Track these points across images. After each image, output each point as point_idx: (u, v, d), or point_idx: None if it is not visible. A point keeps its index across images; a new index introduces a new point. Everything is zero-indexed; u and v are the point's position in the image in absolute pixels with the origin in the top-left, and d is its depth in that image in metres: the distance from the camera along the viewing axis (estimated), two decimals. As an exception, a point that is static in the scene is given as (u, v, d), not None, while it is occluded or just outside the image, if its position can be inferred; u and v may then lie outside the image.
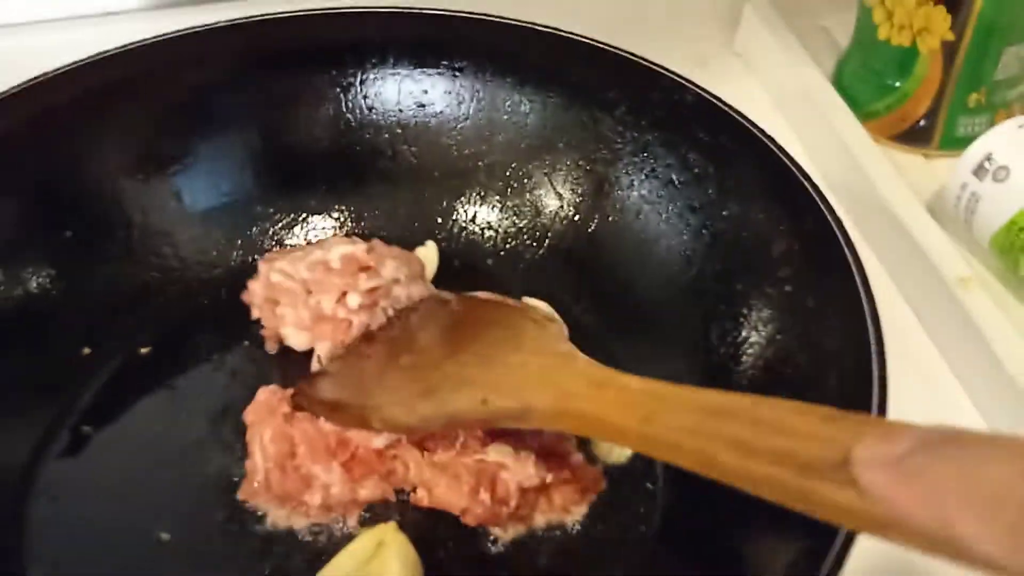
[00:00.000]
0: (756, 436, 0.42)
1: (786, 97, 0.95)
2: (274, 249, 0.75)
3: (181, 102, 0.71)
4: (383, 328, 0.64)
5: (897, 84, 0.89)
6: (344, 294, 0.65)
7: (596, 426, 0.51)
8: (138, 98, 0.70)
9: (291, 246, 0.76)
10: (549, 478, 0.58)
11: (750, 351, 0.61)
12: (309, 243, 0.75)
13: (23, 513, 0.59)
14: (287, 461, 0.59)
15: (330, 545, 0.58)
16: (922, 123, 0.90)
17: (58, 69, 0.67)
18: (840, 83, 0.95)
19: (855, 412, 0.40)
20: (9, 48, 0.90)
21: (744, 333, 0.62)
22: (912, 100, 0.89)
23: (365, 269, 0.66)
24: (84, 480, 0.62)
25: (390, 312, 0.66)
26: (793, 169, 0.60)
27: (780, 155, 0.61)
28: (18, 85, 0.67)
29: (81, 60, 0.68)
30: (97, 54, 0.69)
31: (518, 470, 0.57)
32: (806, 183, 0.59)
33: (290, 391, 0.62)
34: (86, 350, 0.68)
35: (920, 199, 0.81)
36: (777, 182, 0.61)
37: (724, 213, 0.66)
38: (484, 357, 0.57)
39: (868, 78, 0.93)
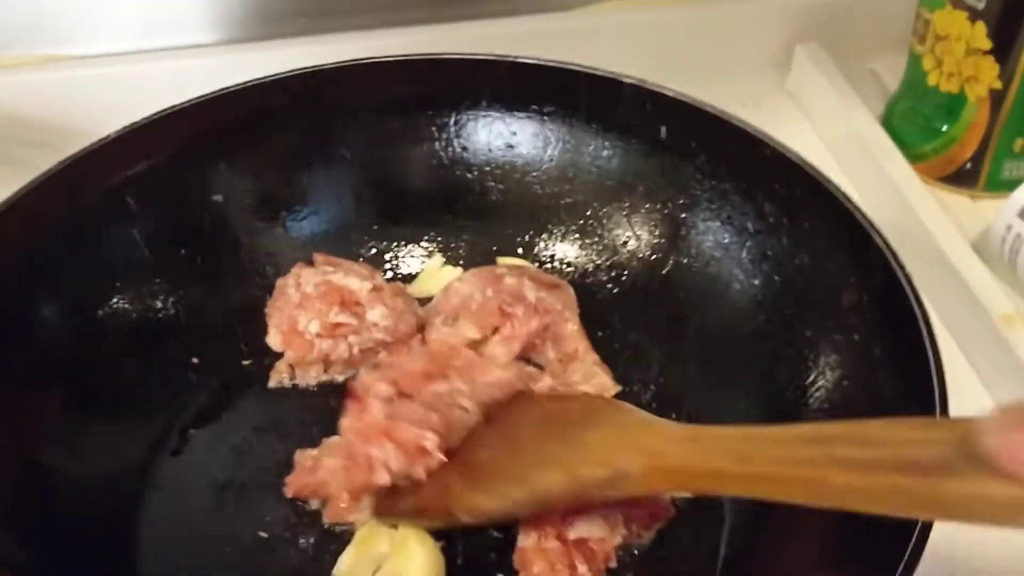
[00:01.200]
0: (865, 452, 0.42)
1: (836, 137, 0.98)
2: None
3: (295, 139, 0.78)
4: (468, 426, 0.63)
5: (945, 128, 0.92)
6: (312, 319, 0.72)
7: (693, 478, 0.51)
8: (255, 132, 0.77)
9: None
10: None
11: (816, 394, 0.64)
12: (389, 269, 0.82)
13: (138, 505, 0.65)
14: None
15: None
16: (968, 166, 0.93)
17: (188, 102, 0.73)
18: (889, 125, 0.98)
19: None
20: (96, 77, 0.98)
21: (811, 377, 0.65)
22: (959, 144, 0.92)
23: (347, 304, 0.72)
24: (190, 476, 0.68)
25: (356, 351, 0.72)
26: (864, 224, 0.63)
27: (852, 209, 0.64)
28: (146, 118, 0.73)
29: (205, 95, 0.74)
30: (219, 90, 0.75)
31: (608, 535, 0.60)
32: (876, 238, 0.62)
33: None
34: (195, 360, 0.74)
35: (966, 238, 0.84)
36: (848, 235, 0.64)
37: (796, 262, 0.69)
38: (566, 438, 0.57)
39: (917, 121, 0.95)
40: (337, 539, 0.64)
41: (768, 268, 0.71)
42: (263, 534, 0.64)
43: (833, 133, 1.00)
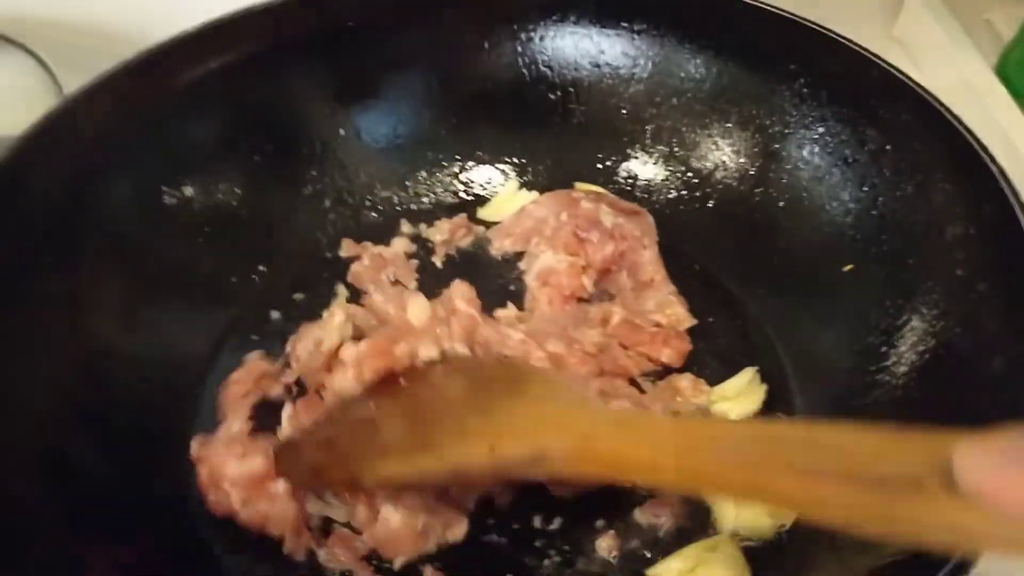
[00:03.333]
0: (823, 460, 0.39)
1: (946, 86, 0.91)
2: (441, 193, 0.79)
3: (366, 41, 0.75)
4: (372, 390, 0.59)
5: (1062, 78, 0.85)
6: None
7: (625, 465, 0.47)
8: (326, 36, 0.74)
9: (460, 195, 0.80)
10: None
11: (910, 334, 0.60)
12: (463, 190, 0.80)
13: (196, 398, 0.65)
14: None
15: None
16: (1084, 115, 0.85)
17: (256, 5, 0.71)
18: (1003, 74, 0.92)
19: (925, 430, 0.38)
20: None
21: (905, 316, 0.61)
22: (1076, 95, 0.85)
23: None
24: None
25: None
26: (979, 151, 0.58)
27: (967, 135, 0.59)
28: (217, 19, 0.70)
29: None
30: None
31: None
32: (992, 166, 0.57)
33: None
34: (261, 267, 0.73)
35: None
36: (960, 163, 0.59)
37: (897, 193, 0.64)
38: (487, 409, 0.52)
39: (1034, 69, 0.89)
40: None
41: (866, 200, 0.66)
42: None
43: (943, 82, 0.94)
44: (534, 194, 0.78)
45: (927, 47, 0.98)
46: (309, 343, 0.66)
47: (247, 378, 0.66)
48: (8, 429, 0.55)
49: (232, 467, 0.59)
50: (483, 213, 0.79)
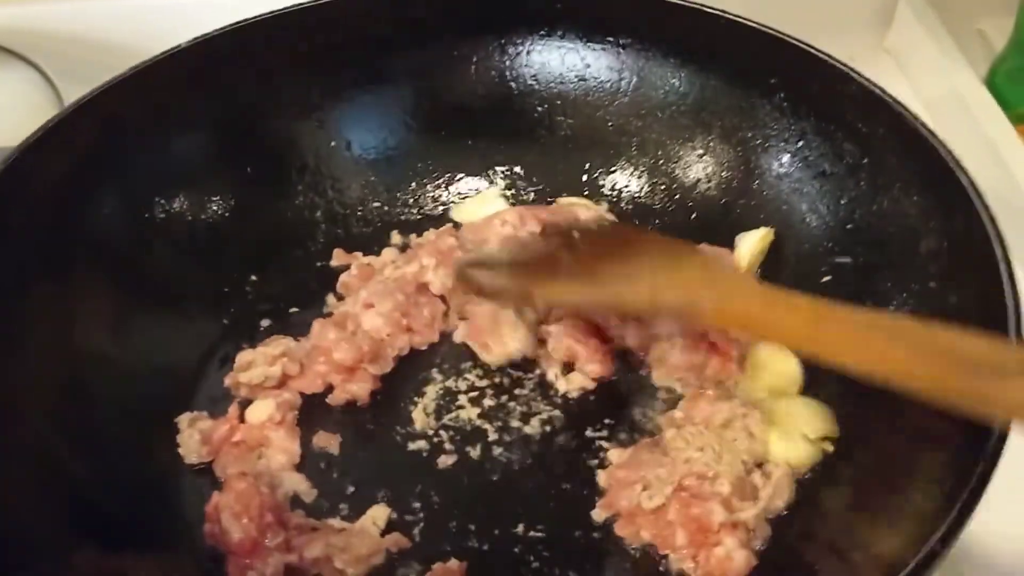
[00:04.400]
0: (932, 343, 0.48)
1: (936, 96, 0.94)
2: (429, 205, 0.81)
3: (356, 57, 0.76)
4: (560, 232, 0.67)
5: (1052, 88, 0.86)
6: None
7: (763, 326, 0.56)
8: (317, 51, 0.75)
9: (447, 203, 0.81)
10: None
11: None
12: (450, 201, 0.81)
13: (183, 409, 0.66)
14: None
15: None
16: (1073, 128, 0.86)
17: (248, 19, 0.72)
18: (992, 85, 0.93)
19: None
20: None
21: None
22: (1066, 106, 0.86)
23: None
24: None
25: None
26: (952, 165, 0.58)
27: (940, 150, 0.59)
28: (209, 33, 0.72)
29: (272, 11, 0.74)
30: (289, 6, 0.74)
31: None
32: (964, 180, 0.57)
33: None
34: (253, 277, 0.75)
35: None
36: (933, 177, 0.60)
37: (873, 207, 0.65)
38: (655, 267, 0.60)
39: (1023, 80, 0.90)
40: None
41: (844, 213, 0.67)
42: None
43: (933, 92, 0.95)
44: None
45: (918, 58, 0.99)
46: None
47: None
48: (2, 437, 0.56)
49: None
50: (455, 214, 0.80)
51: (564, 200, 0.79)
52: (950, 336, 0.48)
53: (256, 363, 0.67)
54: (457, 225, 0.78)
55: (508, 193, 0.81)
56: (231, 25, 0.72)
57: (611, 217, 0.77)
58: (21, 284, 0.61)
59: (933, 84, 0.95)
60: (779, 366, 0.66)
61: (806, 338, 0.53)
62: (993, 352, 0.46)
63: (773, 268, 0.71)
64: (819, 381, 0.65)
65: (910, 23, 1.00)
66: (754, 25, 0.70)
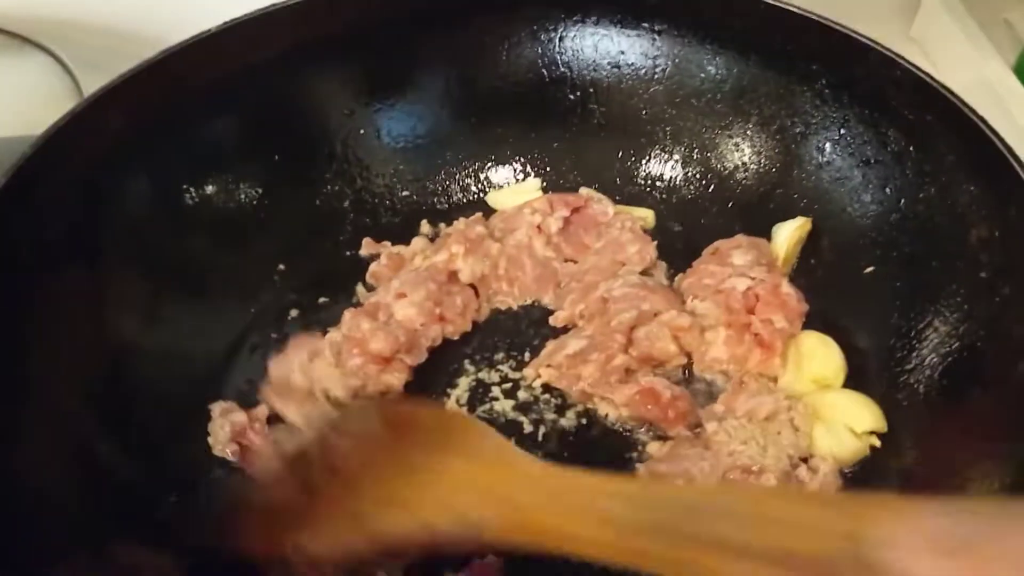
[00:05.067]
0: (750, 533, 0.37)
1: (963, 86, 0.90)
2: (459, 194, 0.79)
3: (387, 42, 0.75)
4: (295, 458, 0.57)
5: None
6: None
7: (551, 538, 0.45)
8: (348, 36, 0.73)
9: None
10: None
11: (933, 337, 0.59)
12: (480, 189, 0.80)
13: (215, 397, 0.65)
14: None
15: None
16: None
17: (276, 4, 0.71)
18: (1021, 73, 0.91)
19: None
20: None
21: (928, 319, 0.60)
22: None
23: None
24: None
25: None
26: (1005, 153, 0.57)
27: (992, 137, 0.58)
28: (238, 17, 0.70)
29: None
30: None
31: None
32: (1019, 168, 0.56)
33: None
34: (281, 266, 0.73)
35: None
36: (984, 165, 0.59)
37: (920, 195, 0.63)
38: (416, 472, 0.50)
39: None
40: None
41: (888, 201, 0.66)
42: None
43: (960, 81, 0.93)
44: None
45: (945, 47, 0.97)
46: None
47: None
48: (34, 425, 0.55)
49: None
50: (491, 199, 0.79)
51: (584, 192, 0.77)
52: (783, 510, 0.38)
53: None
54: (488, 213, 0.77)
55: (541, 180, 0.79)
56: (259, 10, 0.71)
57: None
58: (52, 269, 0.60)
59: (960, 73, 0.94)
60: (823, 357, 0.65)
61: (603, 546, 0.43)
62: (818, 528, 0.36)
63: (812, 259, 0.69)
64: (864, 373, 0.64)
65: (936, 11, 0.98)
66: (795, 9, 0.68)
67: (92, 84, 0.80)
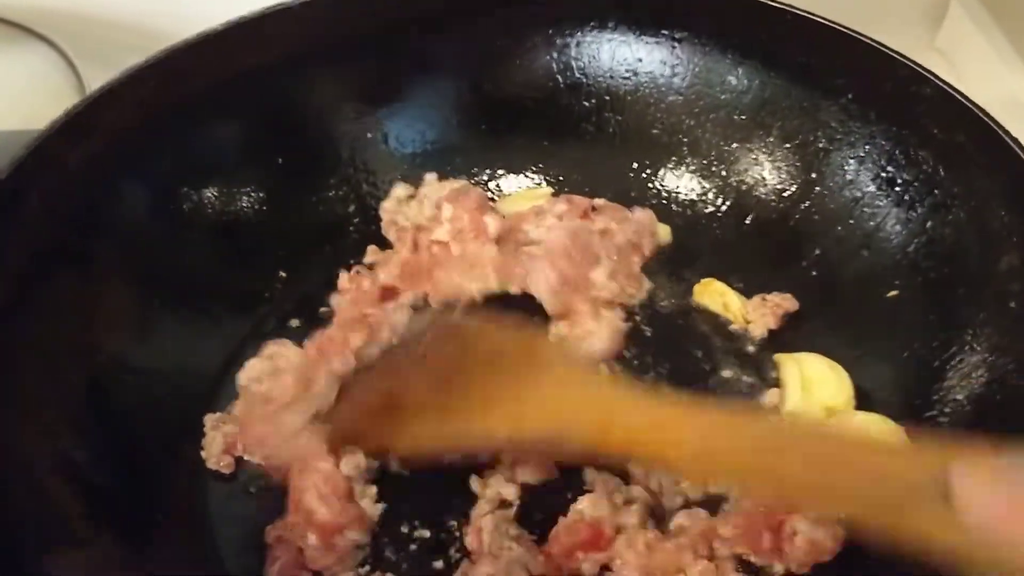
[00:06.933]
0: (832, 458, 0.42)
1: (990, 98, 0.88)
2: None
3: (397, 44, 0.73)
4: (393, 353, 0.60)
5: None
6: None
7: (648, 444, 0.47)
8: (357, 37, 0.72)
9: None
10: None
11: (960, 368, 0.57)
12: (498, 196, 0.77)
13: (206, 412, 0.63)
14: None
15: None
16: None
17: (283, 4, 0.69)
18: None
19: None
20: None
21: (955, 348, 0.58)
22: None
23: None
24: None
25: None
26: (1040, 178, 0.55)
27: (1026, 160, 0.56)
28: (244, 16, 0.68)
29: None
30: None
31: None
32: (1054, 194, 0.54)
33: None
34: (282, 274, 0.71)
35: None
36: (1018, 190, 0.56)
37: (948, 218, 0.61)
38: (512, 380, 0.52)
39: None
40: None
41: (915, 224, 0.63)
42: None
43: (987, 94, 0.91)
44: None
45: (971, 58, 0.95)
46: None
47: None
48: (20, 434, 0.53)
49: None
50: (501, 205, 0.76)
51: (599, 201, 0.74)
52: (857, 442, 0.44)
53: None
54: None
55: (550, 192, 0.77)
56: (266, 9, 0.69)
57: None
58: (42, 274, 0.58)
59: (987, 85, 0.91)
60: (835, 384, 0.62)
61: (693, 459, 0.46)
62: (907, 466, 0.40)
63: (833, 281, 0.67)
64: (884, 403, 0.61)
65: (962, 21, 0.96)
66: (822, 21, 0.66)
67: (94, 76, 0.79)
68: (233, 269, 0.69)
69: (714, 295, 0.69)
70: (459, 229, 0.68)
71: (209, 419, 0.62)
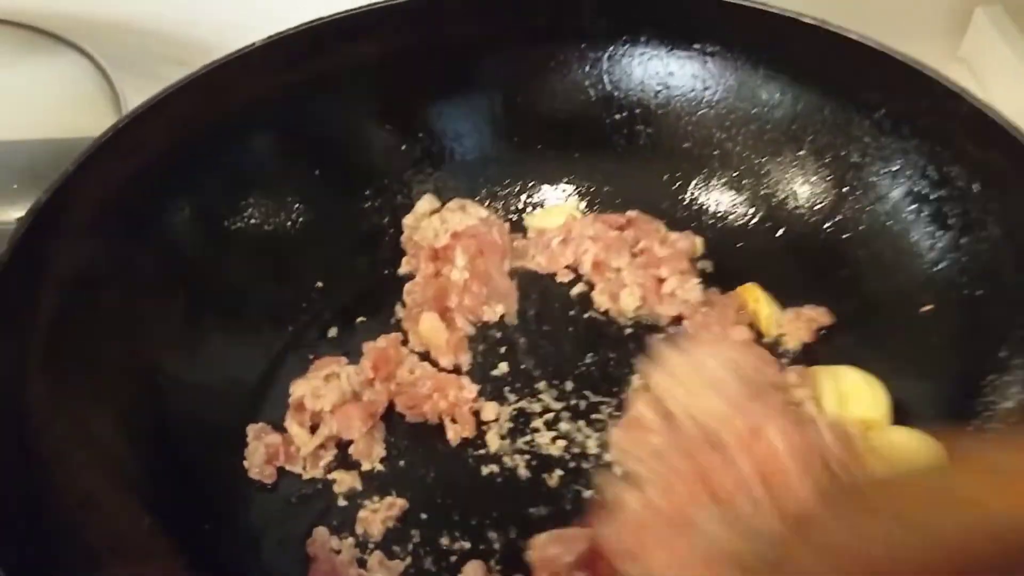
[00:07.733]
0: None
1: (1016, 109, 0.89)
2: (500, 214, 0.77)
3: (432, 60, 0.73)
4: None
5: None
6: None
7: None
8: (392, 54, 0.72)
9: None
10: None
11: (999, 389, 0.57)
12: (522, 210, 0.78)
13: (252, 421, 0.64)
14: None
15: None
16: None
17: (323, 18, 0.69)
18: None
19: None
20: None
21: (992, 367, 0.58)
22: None
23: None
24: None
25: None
26: (1077, 196, 0.55)
27: (1065, 180, 0.56)
28: (283, 32, 0.69)
29: (352, 10, 0.71)
30: (365, 5, 0.71)
31: None
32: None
33: None
34: (319, 284, 0.72)
35: None
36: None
37: (983, 235, 0.61)
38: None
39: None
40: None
41: (948, 240, 0.63)
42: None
43: (1012, 105, 0.91)
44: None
45: (994, 68, 0.95)
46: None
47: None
48: (68, 446, 0.54)
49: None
50: (529, 222, 0.78)
51: (632, 214, 0.75)
52: None
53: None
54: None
55: (582, 204, 0.78)
56: (303, 25, 0.69)
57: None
58: (89, 290, 0.59)
59: (1012, 96, 0.91)
60: (871, 399, 0.62)
61: None
62: None
63: (866, 295, 0.67)
64: (910, 410, 0.62)
65: (986, 31, 0.96)
66: (855, 37, 0.66)
67: (127, 84, 0.79)
68: (272, 280, 0.70)
69: (748, 301, 0.70)
70: (475, 271, 0.70)
71: (251, 429, 0.63)
